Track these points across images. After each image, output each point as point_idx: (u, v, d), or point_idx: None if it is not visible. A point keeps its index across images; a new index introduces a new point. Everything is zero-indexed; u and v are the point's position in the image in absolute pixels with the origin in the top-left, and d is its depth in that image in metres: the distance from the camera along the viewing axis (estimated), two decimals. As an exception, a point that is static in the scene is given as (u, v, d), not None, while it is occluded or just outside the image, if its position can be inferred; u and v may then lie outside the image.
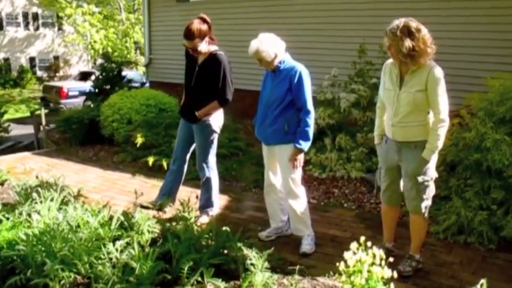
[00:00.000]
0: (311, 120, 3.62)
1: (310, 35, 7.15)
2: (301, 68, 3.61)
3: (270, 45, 3.58)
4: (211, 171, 4.36)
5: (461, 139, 4.23)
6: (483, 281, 2.60)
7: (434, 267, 3.52)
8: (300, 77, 3.58)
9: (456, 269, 3.50)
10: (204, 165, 4.33)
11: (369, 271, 2.56)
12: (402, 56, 3.04)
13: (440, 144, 3.12)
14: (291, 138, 3.63)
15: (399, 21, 3.06)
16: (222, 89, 4.11)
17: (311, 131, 3.64)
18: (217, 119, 4.27)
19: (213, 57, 4.12)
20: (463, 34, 5.83)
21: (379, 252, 2.59)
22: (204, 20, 4.04)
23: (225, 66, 4.09)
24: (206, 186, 4.37)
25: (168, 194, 4.55)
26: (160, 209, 4.44)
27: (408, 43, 2.98)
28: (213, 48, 4.15)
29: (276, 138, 3.70)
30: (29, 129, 10.53)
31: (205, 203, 4.40)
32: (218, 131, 4.32)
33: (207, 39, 4.05)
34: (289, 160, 3.66)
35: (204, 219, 4.28)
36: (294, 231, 3.88)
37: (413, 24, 3.03)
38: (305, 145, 3.63)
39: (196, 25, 3.98)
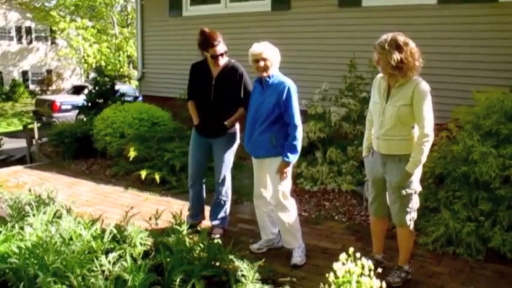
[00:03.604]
0: (299, 134, 3.68)
1: (301, 50, 7.25)
2: (289, 84, 3.68)
3: (274, 52, 3.70)
4: (230, 183, 4.41)
5: (449, 152, 4.31)
6: (470, 290, 2.66)
7: (424, 278, 3.57)
8: (289, 93, 3.65)
9: (445, 280, 3.55)
10: (227, 177, 4.34)
11: (357, 281, 2.60)
12: (391, 68, 3.11)
13: (424, 158, 3.18)
14: (279, 151, 3.69)
15: (387, 36, 3.15)
16: (246, 95, 4.14)
17: (299, 144, 3.70)
18: (238, 128, 4.34)
19: (231, 66, 4.19)
20: (450, 49, 5.95)
21: (368, 263, 2.64)
22: None
23: (244, 71, 4.20)
24: (224, 199, 4.39)
25: (197, 215, 4.58)
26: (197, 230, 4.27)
27: (396, 55, 3.06)
28: (227, 58, 4.23)
29: (264, 151, 3.76)
30: (21, 143, 10.50)
31: (224, 216, 4.44)
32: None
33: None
34: (276, 172, 3.71)
35: (220, 232, 4.34)
36: (284, 243, 3.92)
37: (401, 38, 3.12)
38: (292, 158, 3.69)
39: (213, 31, 4.10)
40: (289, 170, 3.74)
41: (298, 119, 3.69)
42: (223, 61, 4.16)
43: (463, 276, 3.61)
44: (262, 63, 3.66)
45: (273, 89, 3.69)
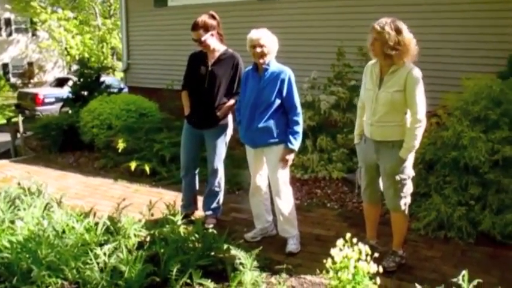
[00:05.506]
0: (301, 120, 3.72)
1: (290, 39, 7.19)
2: (290, 72, 3.69)
3: (272, 40, 3.68)
4: (223, 174, 4.38)
5: (439, 138, 4.35)
6: (464, 272, 2.68)
7: (417, 262, 3.62)
8: (290, 81, 3.66)
9: (438, 263, 3.61)
10: (219, 168, 4.30)
11: (355, 267, 2.62)
12: (388, 49, 3.12)
13: (417, 143, 3.22)
14: (280, 139, 3.69)
15: (386, 18, 3.18)
16: (239, 86, 4.10)
17: (301, 131, 3.72)
18: (231, 119, 4.29)
19: (229, 55, 4.16)
20: (440, 37, 5.98)
21: (365, 248, 2.66)
22: (212, 16, 4.14)
23: (241, 62, 4.16)
24: (217, 189, 4.36)
25: (190, 205, 4.52)
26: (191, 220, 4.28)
27: (395, 37, 3.10)
28: (224, 47, 4.19)
29: (265, 140, 3.72)
30: (4, 137, 10.34)
31: (217, 206, 4.42)
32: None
33: (214, 33, 4.10)
34: (280, 160, 3.70)
35: (213, 222, 4.33)
36: (281, 232, 3.90)
37: (399, 22, 3.17)
38: (297, 145, 3.70)
39: (202, 17, 4.08)
40: (291, 157, 3.74)
41: (299, 106, 3.72)
42: (215, 48, 4.12)
43: (455, 259, 3.67)
44: (259, 50, 3.61)
45: (273, 77, 3.66)
